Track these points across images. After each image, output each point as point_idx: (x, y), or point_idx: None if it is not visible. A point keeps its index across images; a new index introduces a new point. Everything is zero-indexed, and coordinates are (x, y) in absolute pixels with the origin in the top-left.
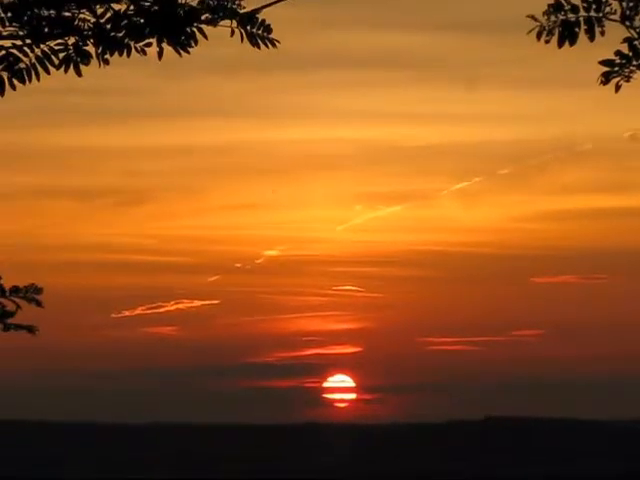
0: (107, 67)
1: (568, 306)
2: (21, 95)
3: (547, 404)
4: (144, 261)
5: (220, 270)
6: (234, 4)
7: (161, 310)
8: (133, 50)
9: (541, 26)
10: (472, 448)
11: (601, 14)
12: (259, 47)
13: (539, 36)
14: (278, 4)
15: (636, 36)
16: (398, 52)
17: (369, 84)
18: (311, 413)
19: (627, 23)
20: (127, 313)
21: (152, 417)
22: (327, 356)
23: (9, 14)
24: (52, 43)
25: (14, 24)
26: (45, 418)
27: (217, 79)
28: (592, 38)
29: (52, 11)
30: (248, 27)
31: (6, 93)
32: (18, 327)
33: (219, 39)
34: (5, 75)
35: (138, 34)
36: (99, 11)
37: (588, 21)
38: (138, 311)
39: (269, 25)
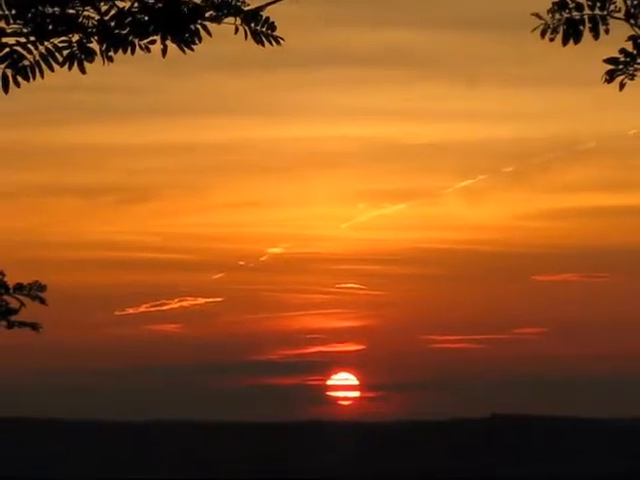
0: (111, 64)
1: (570, 304)
2: (25, 92)
3: (549, 402)
4: (148, 259)
5: (224, 268)
6: (238, 1)
7: (165, 308)
8: (137, 47)
9: (545, 24)
10: (476, 446)
11: (606, 12)
12: (263, 45)
13: (543, 34)
14: (282, 2)
15: None
16: (402, 50)
17: (373, 82)
18: (315, 411)
19: (632, 21)
20: (131, 311)
21: (155, 415)
22: (331, 354)
23: (13, 11)
24: (56, 40)
25: (18, 21)
26: (48, 416)
27: (221, 77)
28: (597, 36)
29: (56, 8)
30: (252, 24)
31: (10, 90)
32: (22, 324)
33: (223, 36)
34: (9, 72)
35: (142, 31)
36: (103, 8)
37: (593, 19)
38: (142, 309)
39: (273, 22)
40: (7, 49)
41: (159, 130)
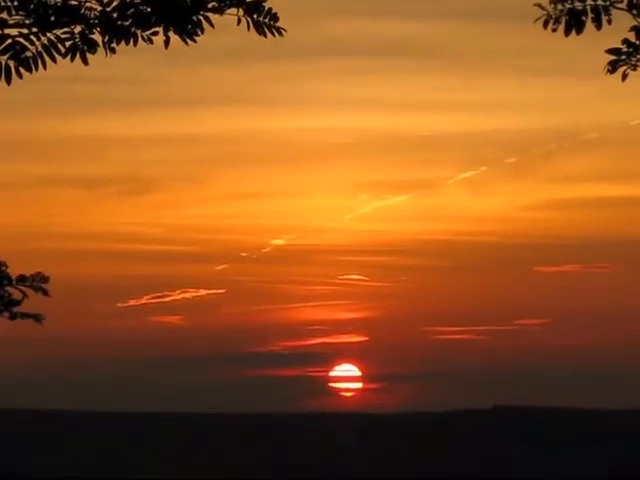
0: (113, 56)
1: (573, 295)
2: (28, 84)
3: (552, 393)
4: (150, 250)
5: (227, 259)
6: None
7: (167, 299)
8: (140, 39)
9: (548, 14)
10: (477, 437)
11: (608, 2)
12: (265, 35)
13: (546, 24)
14: None
15: None
16: (404, 40)
17: (375, 73)
18: (317, 402)
19: (634, 11)
20: (133, 302)
21: (156, 406)
22: (333, 345)
23: (15, 3)
24: (58, 32)
25: (20, 13)
26: (49, 407)
27: (223, 68)
28: (599, 27)
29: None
30: (254, 15)
31: (13, 82)
32: (25, 315)
33: (225, 28)
34: (12, 64)
35: (145, 23)
36: (105, 0)
37: (595, 9)
38: (144, 300)
39: (275, 13)
40: (9, 40)
41: (161, 121)
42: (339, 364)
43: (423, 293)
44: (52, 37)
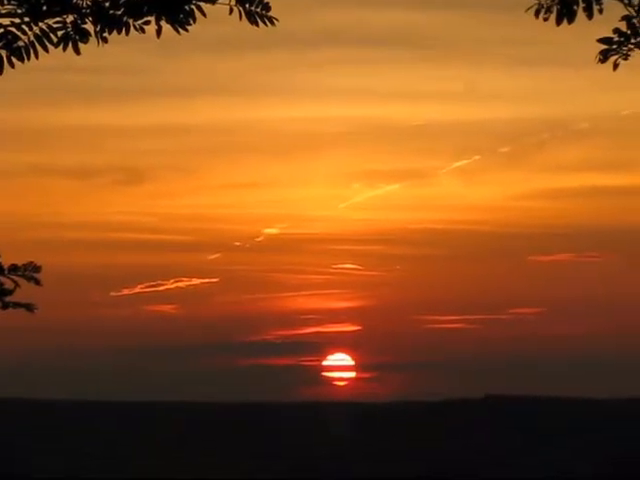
0: (105, 45)
1: (567, 284)
2: (20, 73)
3: (545, 382)
4: (143, 239)
5: (220, 248)
6: None
7: (160, 288)
8: (132, 28)
9: (539, 4)
10: (471, 426)
11: None
12: (257, 25)
13: (537, 14)
14: None
15: (634, 14)
16: (397, 30)
17: (369, 62)
18: (310, 391)
19: (626, 1)
20: (126, 291)
21: (150, 395)
22: (326, 334)
23: None
24: (51, 21)
25: (13, 2)
26: (42, 396)
27: (215, 57)
28: (590, 16)
29: None
30: (247, 5)
31: (5, 71)
32: (17, 305)
33: (217, 17)
34: (4, 53)
35: (137, 12)
36: None
37: None
38: (137, 289)
39: (268, 3)
40: (1, 30)
41: (154, 111)
42: (332, 353)
43: (416, 282)
44: (44, 26)
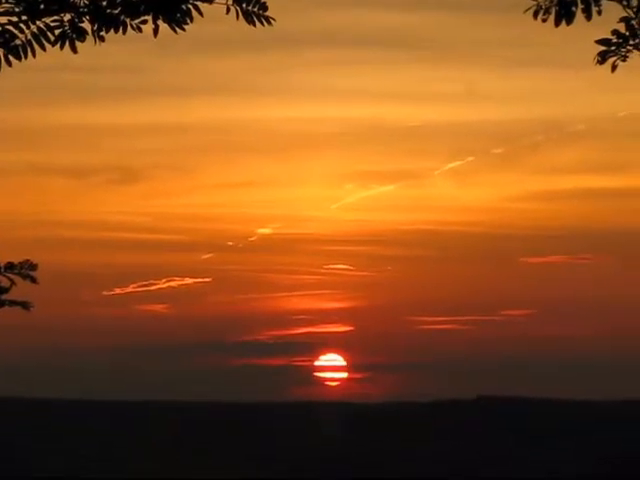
0: (102, 44)
1: (559, 286)
2: (17, 72)
3: (537, 384)
4: (137, 239)
5: (213, 248)
6: None
7: (153, 288)
8: (129, 27)
9: (538, 5)
10: (463, 427)
11: None
12: (254, 25)
13: (536, 15)
14: None
15: (633, 15)
16: (393, 31)
17: (364, 63)
18: (302, 392)
19: (624, 2)
20: (119, 291)
21: (142, 395)
22: (318, 335)
23: None
24: (48, 20)
25: (10, 1)
26: (35, 395)
27: (212, 57)
28: (589, 17)
29: None
30: (244, 4)
31: (2, 70)
32: (12, 303)
33: (214, 17)
34: (1, 52)
35: (134, 11)
36: None
37: (585, 0)
38: (130, 289)
39: (265, 3)
40: None
41: (150, 110)
42: (324, 354)
43: (408, 283)
44: (41, 25)
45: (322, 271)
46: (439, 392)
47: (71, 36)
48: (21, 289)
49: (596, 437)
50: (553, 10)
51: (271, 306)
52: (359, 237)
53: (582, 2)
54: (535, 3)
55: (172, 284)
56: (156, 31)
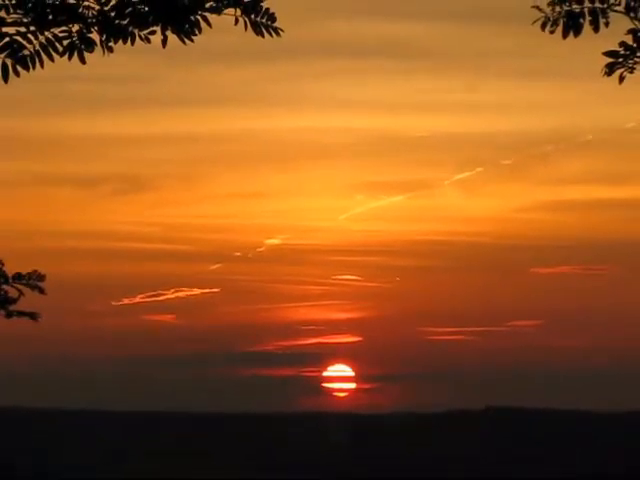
0: (111, 55)
1: (568, 297)
2: (25, 82)
3: (546, 394)
4: (145, 249)
5: (221, 258)
6: None
7: (161, 298)
8: (137, 38)
9: (546, 17)
10: (472, 437)
11: (606, 5)
12: (263, 36)
13: (544, 26)
14: None
15: None
16: (401, 41)
17: (372, 73)
18: (311, 402)
19: (632, 14)
20: (127, 301)
21: (151, 405)
22: (327, 345)
23: (14, 1)
24: (56, 30)
25: (19, 11)
26: (45, 405)
27: (220, 68)
28: (596, 29)
29: None
30: (252, 16)
31: (10, 80)
32: (21, 314)
33: (223, 27)
34: (9, 62)
35: (142, 22)
36: None
37: (593, 12)
38: (138, 299)
39: (273, 14)
40: (7, 38)
41: (158, 121)
42: (333, 364)
43: (417, 293)
44: (50, 36)
45: (331, 282)
46: (448, 402)
47: (79, 47)
48: (29, 300)
49: (604, 446)
50: (561, 22)
51: (280, 316)
52: (368, 247)
53: (590, 14)
54: (543, 15)
55: (180, 294)
56: (165, 42)
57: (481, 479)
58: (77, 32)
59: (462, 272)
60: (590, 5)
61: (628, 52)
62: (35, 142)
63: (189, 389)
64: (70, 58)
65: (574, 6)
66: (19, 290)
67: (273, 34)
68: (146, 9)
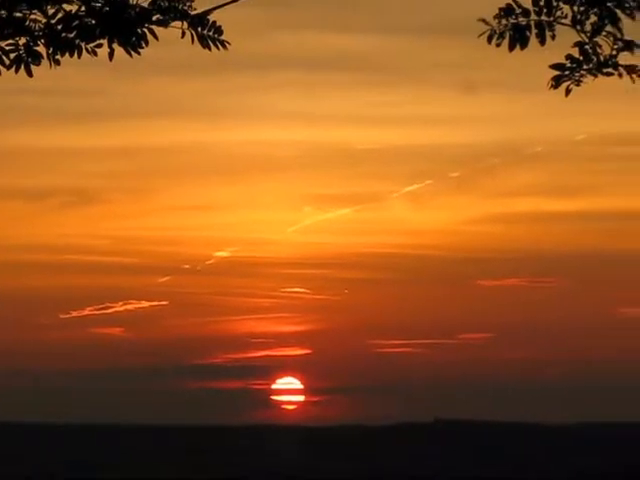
0: (58, 68)
1: (516, 309)
2: None
3: (494, 407)
4: (93, 262)
5: (170, 271)
6: (185, 5)
7: (109, 311)
8: (84, 51)
9: (492, 29)
10: (418, 450)
11: (552, 18)
12: (210, 49)
13: (490, 39)
14: (229, 6)
15: (587, 40)
16: (349, 54)
17: (321, 86)
18: (259, 415)
19: (578, 27)
20: (75, 314)
21: (99, 417)
22: (275, 358)
23: None
24: (3, 43)
25: None
26: None
27: (168, 80)
28: (543, 42)
29: (3, 11)
30: (199, 29)
31: None
32: None
33: (170, 40)
34: None
35: (89, 35)
36: (50, 12)
37: (539, 25)
38: (86, 312)
39: (220, 27)
40: None
41: (106, 133)
42: (281, 377)
43: (366, 306)
44: None
45: (279, 294)
46: (397, 415)
47: (26, 60)
48: None
49: (553, 461)
50: (507, 35)
51: (228, 329)
52: (316, 260)
53: (536, 27)
54: (490, 28)
55: (129, 307)
56: (111, 55)
57: None
58: (24, 45)
59: (411, 285)
60: (536, 18)
61: (574, 65)
62: None
63: (137, 402)
64: (17, 71)
65: (520, 19)
66: None
67: (220, 47)
68: (93, 22)
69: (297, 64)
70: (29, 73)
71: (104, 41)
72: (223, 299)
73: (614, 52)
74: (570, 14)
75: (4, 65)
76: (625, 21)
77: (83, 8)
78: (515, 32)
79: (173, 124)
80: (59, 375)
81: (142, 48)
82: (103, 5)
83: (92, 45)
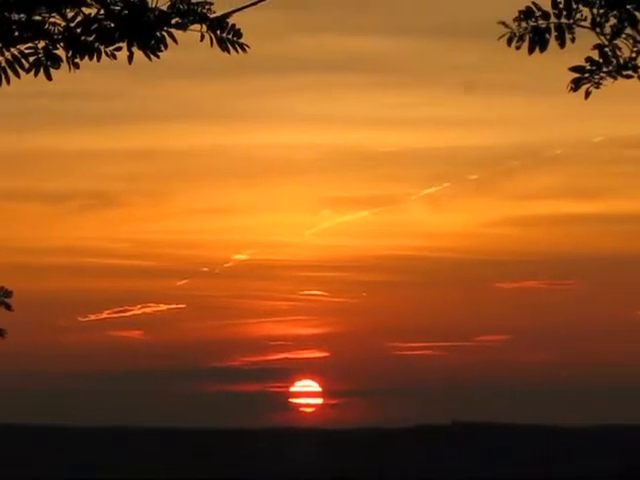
0: (77, 71)
1: (534, 312)
2: None
3: (511, 409)
4: (112, 265)
5: (188, 274)
6: (204, 9)
7: (128, 314)
8: (103, 54)
9: (512, 32)
10: (437, 452)
11: (572, 21)
12: (229, 52)
13: (510, 42)
14: (248, 9)
15: (606, 43)
16: (369, 56)
17: (339, 89)
18: (277, 418)
19: (597, 30)
20: (93, 317)
21: (117, 420)
22: (294, 361)
23: None
24: (22, 47)
25: None
26: (10, 421)
27: (187, 83)
28: (562, 44)
29: (22, 15)
30: (218, 32)
31: None
32: None
33: (189, 43)
34: None
35: (108, 38)
36: (69, 15)
37: (559, 28)
38: (104, 315)
39: (239, 30)
40: None
41: (126, 136)
42: (299, 380)
43: (384, 309)
44: (16, 52)
45: (298, 297)
46: (414, 417)
47: (45, 63)
48: None
49: (571, 462)
50: (527, 37)
51: (246, 332)
52: (334, 263)
53: (556, 30)
54: (509, 30)
55: (147, 310)
56: (130, 58)
57: None
58: (43, 48)
59: (429, 287)
60: (556, 21)
61: (594, 67)
62: (2, 158)
63: (156, 404)
64: (36, 74)
65: (540, 22)
66: None
67: (239, 50)
68: (112, 25)
69: (315, 67)
70: (48, 76)
71: (123, 44)
72: (241, 302)
73: (634, 54)
74: (590, 17)
75: (23, 68)
76: None
77: (102, 11)
78: (535, 35)
79: (192, 127)
80: (76, 377)
81: (161, 51)
82: (122, 8)
83: (111, 48)
